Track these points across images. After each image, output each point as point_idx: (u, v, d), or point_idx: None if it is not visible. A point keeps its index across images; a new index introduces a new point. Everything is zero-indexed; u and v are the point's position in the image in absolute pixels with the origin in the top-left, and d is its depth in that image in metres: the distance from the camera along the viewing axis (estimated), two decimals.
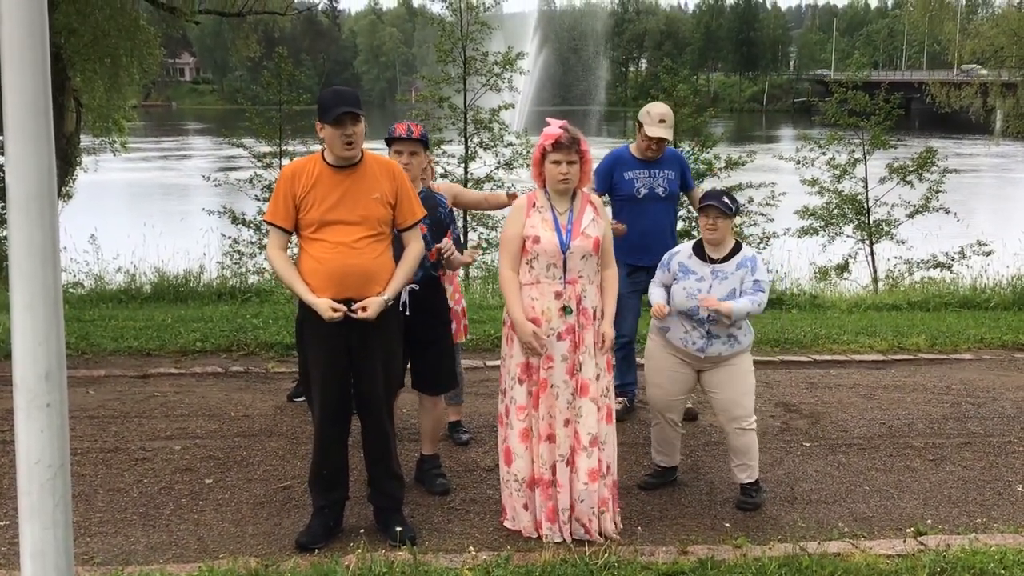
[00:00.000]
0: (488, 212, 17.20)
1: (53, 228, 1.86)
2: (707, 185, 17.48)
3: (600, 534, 4.35)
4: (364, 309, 4.04)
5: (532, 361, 4.33)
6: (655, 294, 4.85)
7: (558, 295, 4.30)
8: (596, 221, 4.39)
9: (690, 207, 9.28)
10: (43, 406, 1.84)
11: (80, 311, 8.90)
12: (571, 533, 4.33)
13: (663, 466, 5.09)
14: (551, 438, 4.33)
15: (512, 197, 5.46)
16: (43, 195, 1.84)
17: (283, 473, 5.12)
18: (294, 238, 4.31)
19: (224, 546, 4.24)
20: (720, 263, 4.72)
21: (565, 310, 4.29)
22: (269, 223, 4.22)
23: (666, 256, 4.92)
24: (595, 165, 4.85)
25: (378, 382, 4.23)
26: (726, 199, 4.71)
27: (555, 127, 4.33)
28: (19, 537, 1.90)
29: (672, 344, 4.80)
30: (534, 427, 4.35)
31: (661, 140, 5.85)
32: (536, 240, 4.31)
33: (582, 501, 4.32)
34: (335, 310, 4.00)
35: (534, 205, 4.40)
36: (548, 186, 4.38)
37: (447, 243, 4.75)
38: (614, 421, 4.47)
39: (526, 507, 4.39)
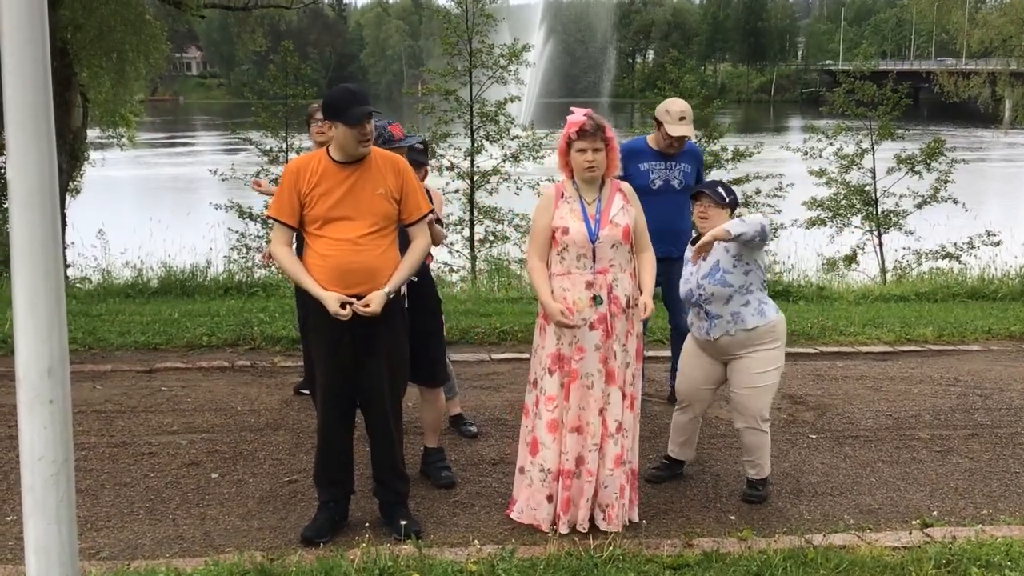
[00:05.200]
0: (494, 206, 17.25)
1: (55, 225, 1.86)
2: (715, 176, 17.49)
3: (611, 522, 4.34)
4: (367, 306, 4.03)
5: (563, 351, 4.30)
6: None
7: (588, 285, 4.27)
8: (626, 208, 4.36)
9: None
10: (46, 402, 1.85)
11: (87, 306, 8.92)
12: (590, 520, 4.32)
13: (673, 458, 5.08)
14: (579, 429, 4.32)
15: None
16: (44, 191, 1.84)
17: (289, 467, 5.14)
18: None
19: (230, 540, 4.26)
20: None
21: (595, 299, 4.26)
22: (273, 219, 4.21)
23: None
24: None
25: (383, 378, 4.22)
26: (720, 189, 4.70)
27: (579, 115, 4.29)
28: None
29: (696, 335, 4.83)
30: (562, 418, 4.34)
31: (683, 137, 5.82)
32: (565, 231, 4.28)
33: (606, 487, 4.34)
34: (343, 305, 4.00)
35: (563, 196, 4.37)
36: (575, 175, 4.35)
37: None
38: (637, 410, 4.46)
39: (550, 499, 4.36)
